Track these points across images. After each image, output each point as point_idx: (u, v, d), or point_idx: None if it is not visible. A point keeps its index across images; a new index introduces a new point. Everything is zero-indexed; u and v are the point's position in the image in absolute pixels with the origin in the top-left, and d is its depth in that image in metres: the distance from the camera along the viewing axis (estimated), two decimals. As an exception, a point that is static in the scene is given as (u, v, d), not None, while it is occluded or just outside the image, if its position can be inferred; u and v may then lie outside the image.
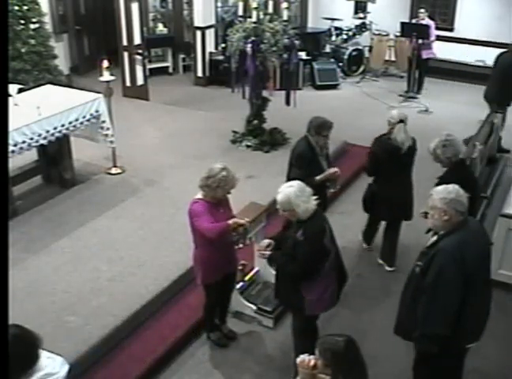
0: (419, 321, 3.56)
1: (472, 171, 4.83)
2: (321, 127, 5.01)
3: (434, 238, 3.63)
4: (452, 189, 3.50)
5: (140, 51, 9.46)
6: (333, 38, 11.66)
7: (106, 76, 6.66)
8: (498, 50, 10.74)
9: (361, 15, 11.72)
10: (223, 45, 10.23)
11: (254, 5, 7.30)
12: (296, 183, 3.83)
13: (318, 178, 5.01)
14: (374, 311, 5.16)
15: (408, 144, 5.26)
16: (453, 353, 3.67)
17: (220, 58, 10.50)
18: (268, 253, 4.05)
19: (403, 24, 10.38)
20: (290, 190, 3.75)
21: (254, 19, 7.18)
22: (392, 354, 4.66)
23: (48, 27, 9.22)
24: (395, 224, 5.62)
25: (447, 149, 4.58)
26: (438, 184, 4.76)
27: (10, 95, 5.69)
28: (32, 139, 5.69)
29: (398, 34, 10.91)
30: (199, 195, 4.19)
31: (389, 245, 5.68)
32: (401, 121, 5.27)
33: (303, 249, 3.80)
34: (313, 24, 12.24)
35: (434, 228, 3.60)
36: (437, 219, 3.50)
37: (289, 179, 5.29)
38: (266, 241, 4.10)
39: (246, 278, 5.16)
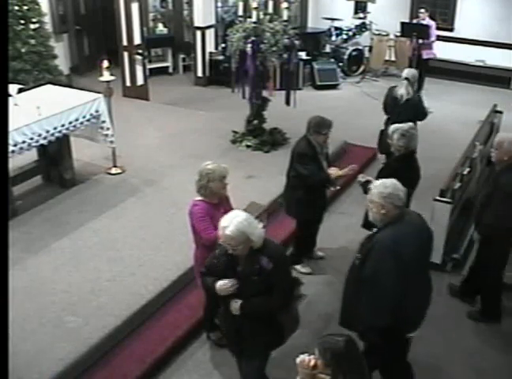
0: (360, 314, 3.66)
1: (418, 166, 5.05)
2: (319, 126, 5.03)
3: (374, 230, 3.73)
4: (389, 183, 3.62)
5: (140, 51, 9.45)
6: (333, 38, 11.66)
7: (106, 76, 6.66)
8: (499, 50, 10.82)
9: (361, 15, 11.71)
10: (223, 45, 10.23)
11: (254, 5, 7.30)
12: (239, 212, 3.50)
13: (334, 174, 5.12)
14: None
15: (405, 97, 6.52)
16: (398, 341, 3.77)
17: (220, 58, 10.50)
18: (234, 286, 3.46)
19: (403, 24, 10.39)
20: (239, 220, 3.37)
21: (254, 19, 7.18)
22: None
23: (48, 27, 9.22)
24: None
25: (403, 139, 4.86)
26: (382, 169, 5.03)
27: (10, 95, 5.69)
28: (32, 139, 5.69)
29: (398, 34, 10.91)
30: (199, 197, 4.18)
31: None
32: (406, 78, 6.60)
33: (279, 275, 3.45)
34: (313, 24, 12.23)
35: (373, 221, 3.69)
36: (375, 213, 3.62)
37: (289, 179, 5.33)
38: (227, 282, 3.50)
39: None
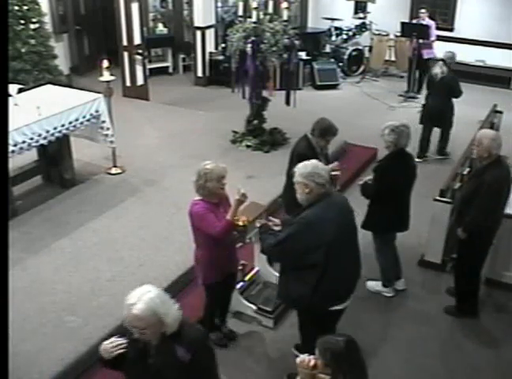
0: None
1: (413, 164, 5.11)
2: (326, 131, 5.01)
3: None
4: (309, 163, 3.80)
5: (140, 51, 9.45)
6: (333, 38, 11.66)
7: (106, 76, 6.66)
8: (499, 50, 10.82)
9: (361, 15, 11.72)
10: (223, 45, 10.24)
11: (254, 5, 7.30)
12: (151, 287, 2.88)
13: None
14: (373, 311, 5.16)
15: (440, 76, 7.54)
16: (322, 314, 3.88)
17: (220, 58, 10.50)
18: None
19: (403, 24, 10.39)
20: (150, 296, 2.78)
21: (254, 19, 7.18)
22: (391, 353, 4.66)
23: (48, 27, 9.22)
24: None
25: (392, 134, 4.90)
26: (377, 167, 5.11)
27: (10, 95, 5.69)
28: (32, 139, 5.69)
29: (398, 34, 10.92)
30: (198, 197, 4.17)
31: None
32: (442, 59, 7.67)
33: (199, 370, 2.84)
34: (313, 24, 12.23)
35: (300, 202, 3.81)
36: (301, 194, 3.77)
37: (288, 179, 5.32)
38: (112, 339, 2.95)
39: (246, 278, 5.16)
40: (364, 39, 11.70)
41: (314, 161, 3.86)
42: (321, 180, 3.72)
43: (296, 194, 3.81)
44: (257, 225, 4.04)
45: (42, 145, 6.02)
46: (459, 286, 5.09)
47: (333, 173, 5.13)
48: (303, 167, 3.78)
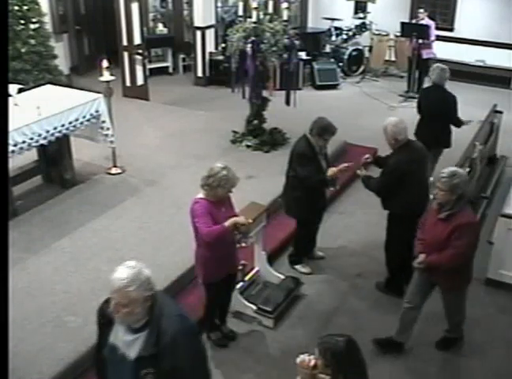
0: None
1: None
2: (325, 130, 5.03)
3: None
4: None
5: (140, 51, 9.45)
6: (333, 38, 11.66)
7: (106, 76, 6.66)
8: (499, 50, 10.83)
9: (361, 15, 11.72)
10: (223, 45, 10.24)
11: (254, 5, 7.30)
12: None
13: (329, 173, 5.13)
14: (373, 311, 5.17)
15: None
16: None
17: (220, 58, 10.50)
18: None
19: (403, 24, 10.39)
20: None
21: (254, 19, 7.18)
22: (391, 353, 4.67)
23: (48, 27, 9.21)
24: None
25: None
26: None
27: (10, 95, 5.69)
28: (32, 139, 5.69)
29: (398, 34, 10.92)
30: (201, 194, 4.18)
31: None
32: None
33: None
34: (313, 24, 12.24)
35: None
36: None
37: (288, 178, 5.33)
38: None
39: (246, 278, 5.16)
40: (364, 39, 11.70)
41: None
42: None
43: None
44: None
45: (42, 145, 6.02)
46: (389, 262, 5.30)
47: (332, 172, 5.18)
48: None
